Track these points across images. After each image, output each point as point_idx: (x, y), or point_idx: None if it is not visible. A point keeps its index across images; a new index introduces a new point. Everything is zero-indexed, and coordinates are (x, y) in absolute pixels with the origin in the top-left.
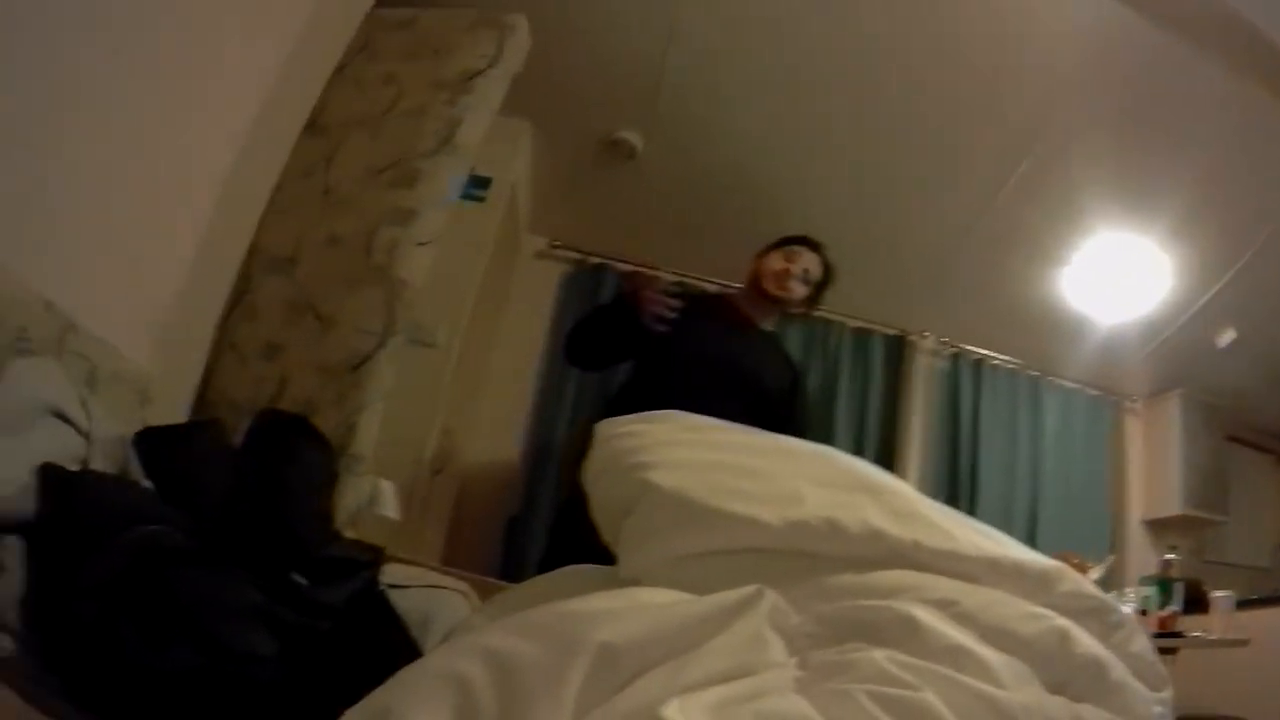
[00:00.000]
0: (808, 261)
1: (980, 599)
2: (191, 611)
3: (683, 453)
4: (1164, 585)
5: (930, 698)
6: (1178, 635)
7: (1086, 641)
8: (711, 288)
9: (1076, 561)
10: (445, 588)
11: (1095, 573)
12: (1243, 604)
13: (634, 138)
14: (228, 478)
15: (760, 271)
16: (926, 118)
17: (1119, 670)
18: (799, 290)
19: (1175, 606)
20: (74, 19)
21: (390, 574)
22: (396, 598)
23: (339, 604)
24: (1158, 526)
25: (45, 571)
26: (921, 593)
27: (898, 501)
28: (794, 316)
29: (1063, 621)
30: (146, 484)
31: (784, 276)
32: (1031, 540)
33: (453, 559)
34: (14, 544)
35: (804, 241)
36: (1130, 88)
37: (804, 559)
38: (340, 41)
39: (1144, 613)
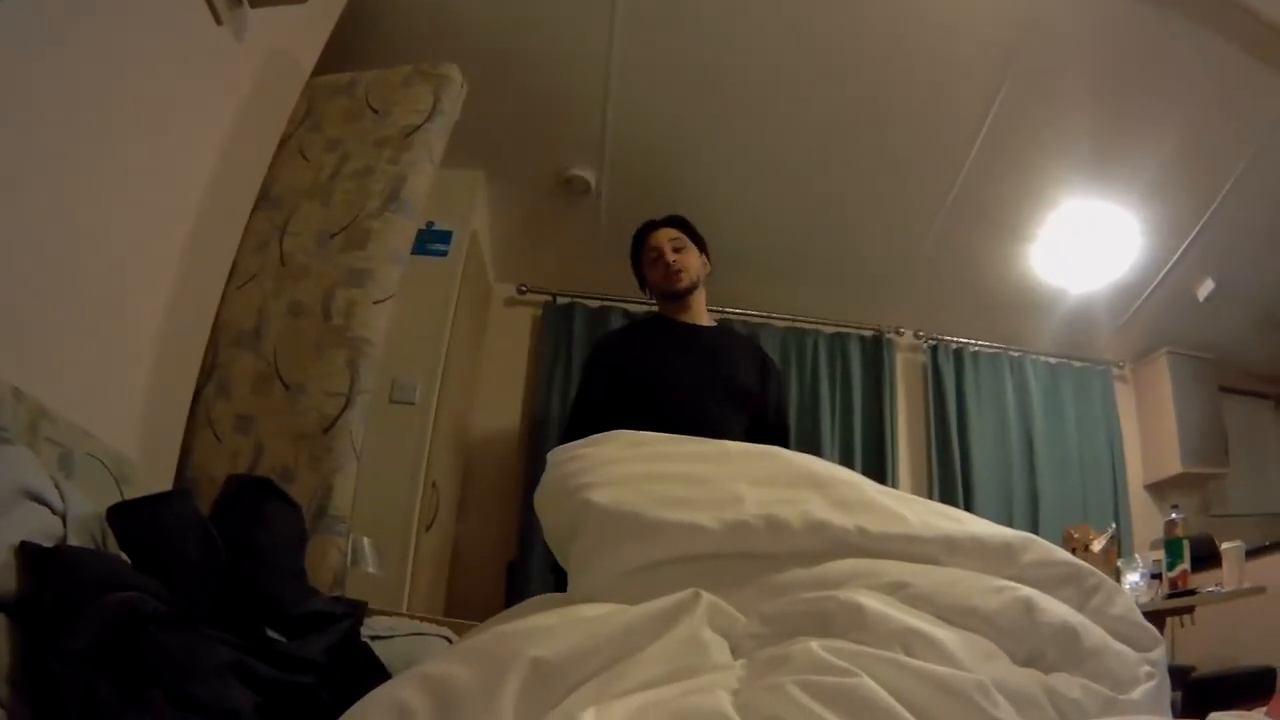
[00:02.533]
0: (663, 239)
1: (936, 579)
2: (167, 671)
3: (623, 469)
4: (1172, 545)
5: (866, 682)
6: (1192, 593)
7: (1055, 609)
8: None
9: (1078, 535)
10: (428, 634)
11: (1099, 543)
12: (1255, 552)
13: (587, 173)
14: (199, 543)
15: (651, 283)
16: (876, 112)
17: (1094, 635)
18: (687, 264)
19: (1185, 565)
20: (18, 108)
21: (374, 626)
22: (381, 648)
23: (317, 657)
24: (1161, 488)
25: (30, 644)
26: (871, 579)
27: (845, 491)
28: (704, 284)
29: (1026, 592)
30: (123, 556)
31: (666, 271)
32: (1035, 519)
33: (456, 608)
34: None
35: (646, 230)
36: (1082, 52)
37: (750, 560)
38: (282, 112)
39: (1157, 576)
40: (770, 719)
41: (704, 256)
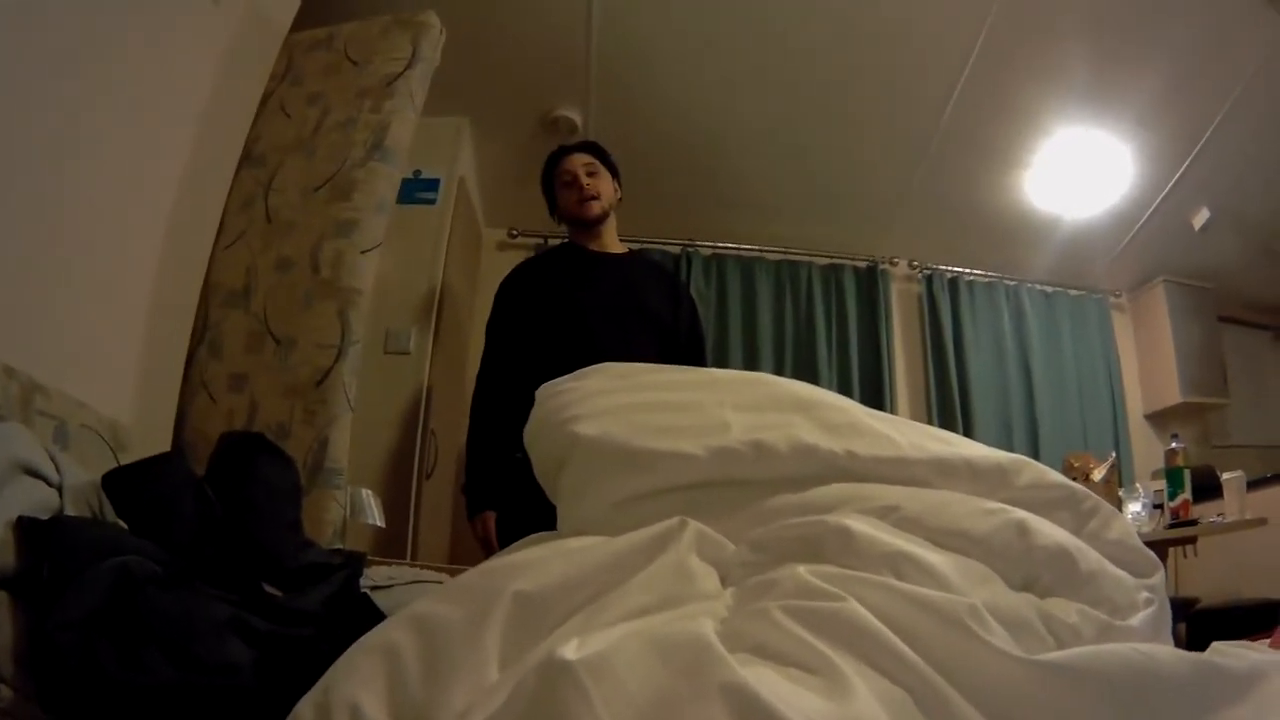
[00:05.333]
0: (577, 164)
1: (926, 502)
2: (165, 631)
3: (609, 400)
4: (1173, 474)
5: (853, 606)
6: (1193, 523)
7: (1049, 532)
8: (673, 248)
9: (1079, 464)
10: (428, 581)
11: (1100, 471)
12: (1257, 483)
13: (572, 113)
14: (193, 502)
15: (561, 208)
16: (864, 42)
17: (1091, 559)
18: (601, 189)
19: (1187, 495)
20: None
21: (374, 576)
22: (381, 597)
23: (314, 609)
24: (1161, 418)
25: (31, 617)
26: (860, 503)
27: (833, 415)
28: (614, 211)
29: (1020, 514)
30: (120, 523)
31: (580, 195)
32: (1035, 447)
33: (460, 555)
34: (1, 597)
35: (560, 154)
36: None
37: (738, 487)
38: (262, 71)
39: (1159, 507)
40: (755, 646)
41: (616, 184)
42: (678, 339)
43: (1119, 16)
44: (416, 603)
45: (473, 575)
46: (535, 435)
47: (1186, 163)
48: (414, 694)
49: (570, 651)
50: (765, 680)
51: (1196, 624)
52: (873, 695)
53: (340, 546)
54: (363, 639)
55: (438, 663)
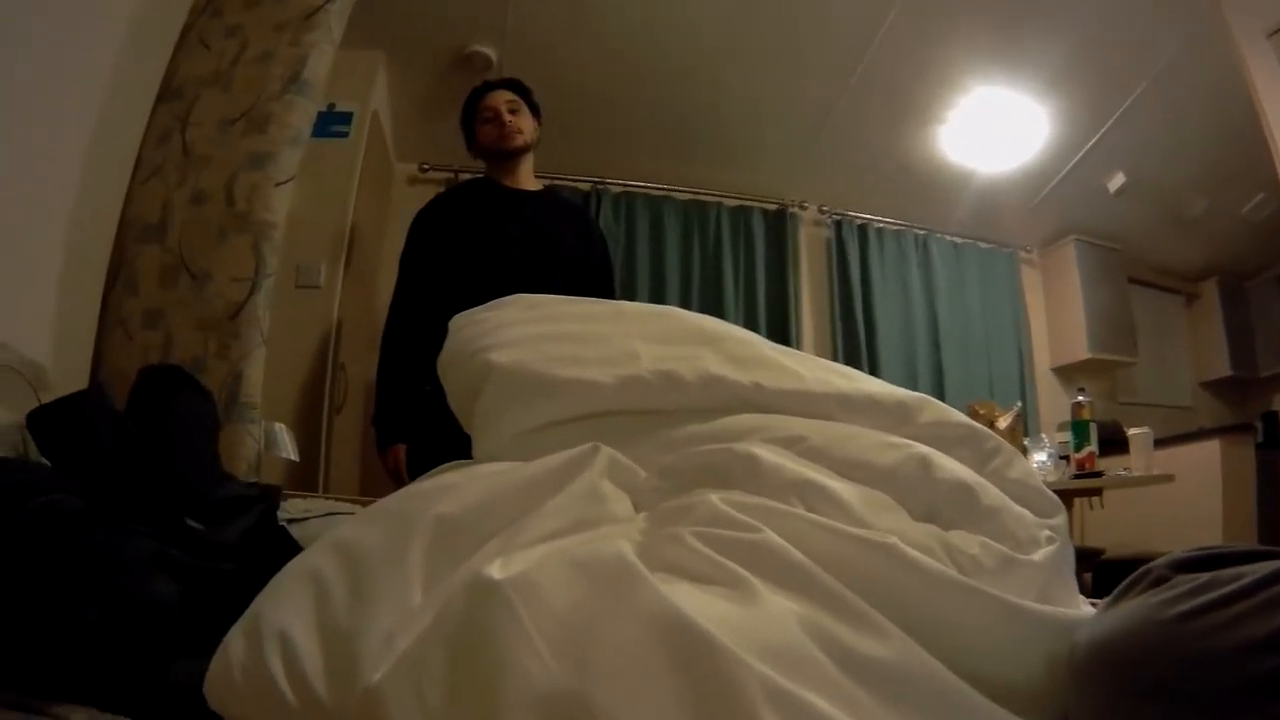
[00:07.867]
0: (499, 100)
1: (831, 433)
2: (95, 569)
3: (522, 330)
4: (1078, 427)
5: (768, 535)
6: (1099, 475)
7: (951, 467)
8: (583, 186)
9: (984, 411)
10: (342, 514)
11: (1005, 419)
12: (1164, 441)
13: (488, 49)
14: (115, 439)
15: (481, 143)
16: None
17: (992, 495)
18: (523, 125)
19: (1092, 447)
20: None
21: (289, 509)
22: (298, 530)
23: (235, 541)
24: (1068, 372)
25: None
26: (766, 433)
27: (739, 348)
28: (533, 149)
29: (923, 449)
30: (44, 461)
31: (502, 130)
32: (940, 394)
33: (371, 488)
34: None
35: (483, 90)
36: None
37: (646, 416)
38: (183, 4)
39: (1065, 458)
40: (670, 565)
41: (537, 122)
42: (588, 275)
43: None
44: (338, 528)
45: (393, 500)
46: (449, 364)
47: (1106, 126)
48: (340, 618)
49: (496, 571)
50: (682, 594)
51: (1102, 574)
52: (785, 610)
53: (255, 480)
54: (288, 566)
55: (362, 586)
